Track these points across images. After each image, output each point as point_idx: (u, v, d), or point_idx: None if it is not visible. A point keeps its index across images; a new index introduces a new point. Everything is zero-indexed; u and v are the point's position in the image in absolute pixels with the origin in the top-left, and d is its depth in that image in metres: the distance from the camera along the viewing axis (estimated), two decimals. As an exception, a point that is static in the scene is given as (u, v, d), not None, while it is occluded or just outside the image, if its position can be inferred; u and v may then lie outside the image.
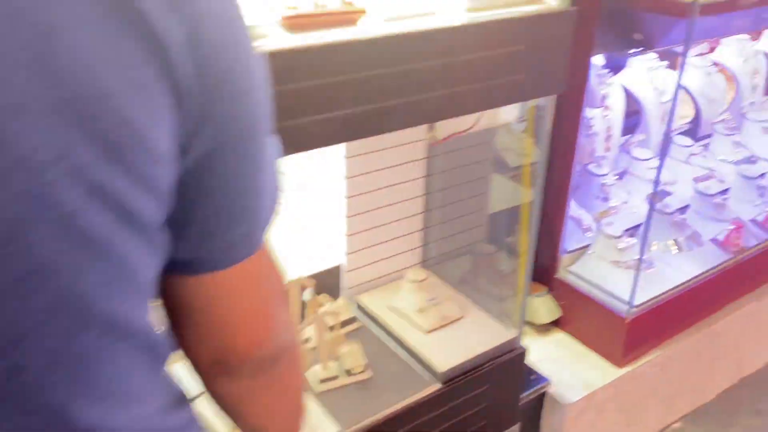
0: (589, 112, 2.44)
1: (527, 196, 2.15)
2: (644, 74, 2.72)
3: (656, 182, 2.04)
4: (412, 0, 1.18)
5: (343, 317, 1.70)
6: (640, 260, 2.05)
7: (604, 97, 2.34)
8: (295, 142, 1.06)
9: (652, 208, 2.08)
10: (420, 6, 1.19)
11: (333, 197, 1.71)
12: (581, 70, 1.95)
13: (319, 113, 1.10)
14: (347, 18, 1.11)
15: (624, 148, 2.67)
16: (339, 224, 1.72)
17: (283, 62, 1.02)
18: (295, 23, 1.05)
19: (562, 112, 2.06)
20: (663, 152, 2.09)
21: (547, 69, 1.35)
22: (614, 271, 2.18)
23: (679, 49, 2.46)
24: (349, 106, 1.12)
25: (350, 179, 1.65)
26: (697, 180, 2.48)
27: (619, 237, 2.21)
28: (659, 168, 2.06)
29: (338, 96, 1.11)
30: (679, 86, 1.91)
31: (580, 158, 2.44)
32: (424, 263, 1.93)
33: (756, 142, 2.91)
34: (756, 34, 3.08)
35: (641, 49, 1.98)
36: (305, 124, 1.07)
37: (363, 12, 1.12)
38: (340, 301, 1.74)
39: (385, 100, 1.15)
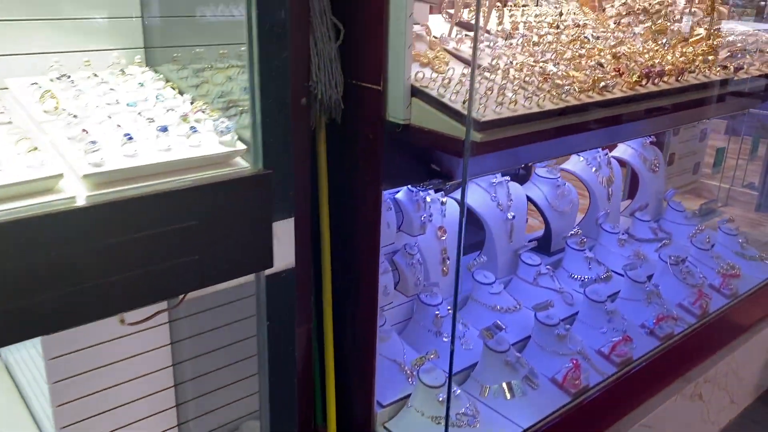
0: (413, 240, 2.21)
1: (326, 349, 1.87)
2: (485, 190, 2.54)
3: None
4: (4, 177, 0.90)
5: None
6: (446, 417, 1.76)
7: (424, 222, 2.11)
8: None
9: (448, 356, 1.81)
10: (19, 185, 0.90)
11: (38, 383, 1.37)
12: (371, 205, 1.71)
13: None
14: None
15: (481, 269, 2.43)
16: (47, 416, 1.38)
17: None
18: None
19: (357, 245, 1.81)
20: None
21: (238, 244, 1.08)
22: (434, 430, 1.88)
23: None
24: None
25: (51, 361, 1.32)
26: (537, 308, 2.24)
27: (441, 386, 1.93)
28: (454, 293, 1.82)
29: None
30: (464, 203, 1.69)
31: (405, 289, 2.19)
32: (182, 446, 1.59)
33: (611, 255, 2.74)
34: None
35: (440, 181, 1.76)
36: None
37: None
38: None
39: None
